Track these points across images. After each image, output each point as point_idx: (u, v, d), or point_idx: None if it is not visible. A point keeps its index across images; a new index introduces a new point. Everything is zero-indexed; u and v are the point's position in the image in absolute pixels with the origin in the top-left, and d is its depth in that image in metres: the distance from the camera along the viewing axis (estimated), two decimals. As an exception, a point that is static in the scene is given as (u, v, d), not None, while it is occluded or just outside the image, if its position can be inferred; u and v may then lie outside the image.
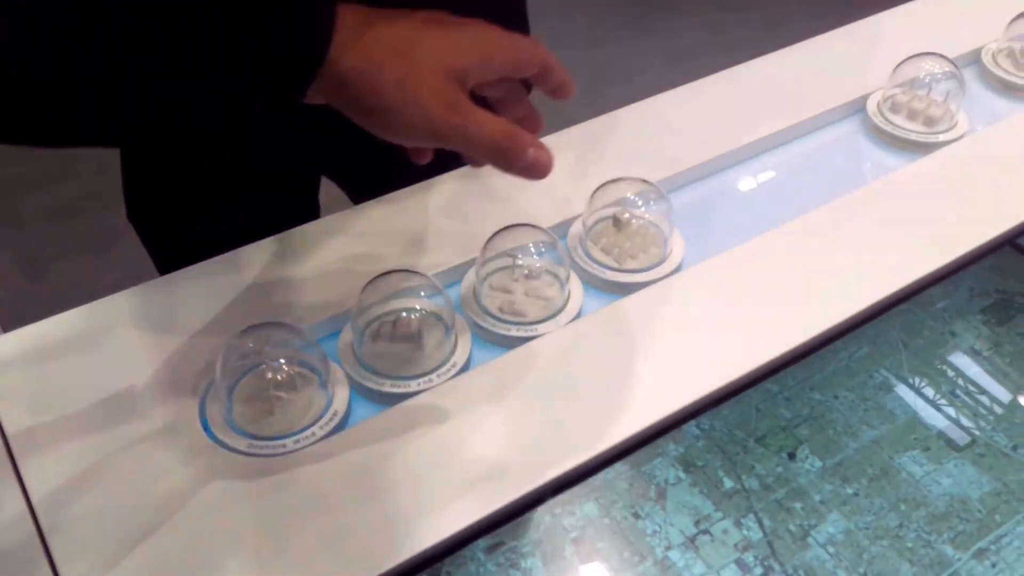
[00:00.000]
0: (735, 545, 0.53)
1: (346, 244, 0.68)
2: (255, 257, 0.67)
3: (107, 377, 0.58)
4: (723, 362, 0.61)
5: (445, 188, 0.74)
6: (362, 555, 0.50)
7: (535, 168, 0.49)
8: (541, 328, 0.63)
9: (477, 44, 0.48)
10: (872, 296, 0.67)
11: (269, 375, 0.56)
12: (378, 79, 0.44)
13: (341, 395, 0.57)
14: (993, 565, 0.53)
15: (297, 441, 0.55)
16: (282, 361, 0.56)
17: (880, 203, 0.75)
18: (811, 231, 0.72)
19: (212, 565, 0.49)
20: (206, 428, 0.55)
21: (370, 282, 0.60)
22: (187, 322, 0.61)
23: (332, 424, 0.56)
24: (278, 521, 0.51)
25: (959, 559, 0.53)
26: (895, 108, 0.85)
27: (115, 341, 0.61)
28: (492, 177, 0.75)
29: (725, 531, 0.54)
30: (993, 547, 0.54)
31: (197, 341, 0.60)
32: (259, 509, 0.51)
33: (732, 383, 0.61)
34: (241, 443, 0.54)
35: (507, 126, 0.48)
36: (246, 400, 0.56)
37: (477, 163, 0.57)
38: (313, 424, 0.56)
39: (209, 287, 0.64)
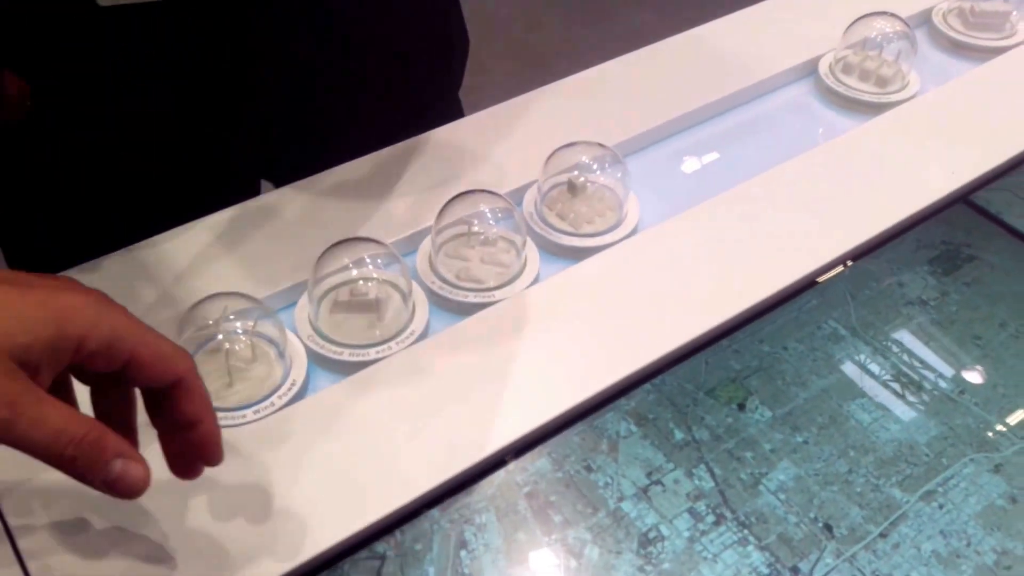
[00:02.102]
0: (687, 495, 0.52)
1: (301, 214, 0.66)
2: (210, 229, 0.65)
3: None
4: (681, 323, 0.60)
5: (399, 156, 0.72)
6: (326, 524, 0.48)
7: (119, 485, 0.38)
8: (498, 294, 0.62)
9: (55, 315, 0.36)
10: (828, 255, 0.65)
11: (227, 346, 0.54)
12: None
13: (299, 365, 0.56)
14: (940, 507, 0.51)
15: (257, 412, 0.53)
16: (240, 332, 0.54)
17: (833, 163, 0.73)
18: (765, 192, 0.70)
19: (177, 542, 0.47)
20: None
21: (326, 251, 0.58)
22: (142, 296, 0.60)
23: (291, 394, 0.54)
24: (241, 493, 0.49)
25: (907, 501, 0.52)
26: (847, 69, 0.83)
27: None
28: (447, 145, 0.73)
29: (677, 481, 0.53)
30: (940, 489, 0.52)
31: (152, 315, 0.58)
32: (221, 481, 0.50)
33: (689, 343, 0.59)
34: (201, 414, 0.53)
35: (82, 425, 0.36)
36: (204, 372, 0.54)
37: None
38: (272, 394, 0.54)
39: (163, 260, 0.62)
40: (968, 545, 0.49)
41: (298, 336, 0.57)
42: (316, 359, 0.57)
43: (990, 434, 0.55)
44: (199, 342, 0.54)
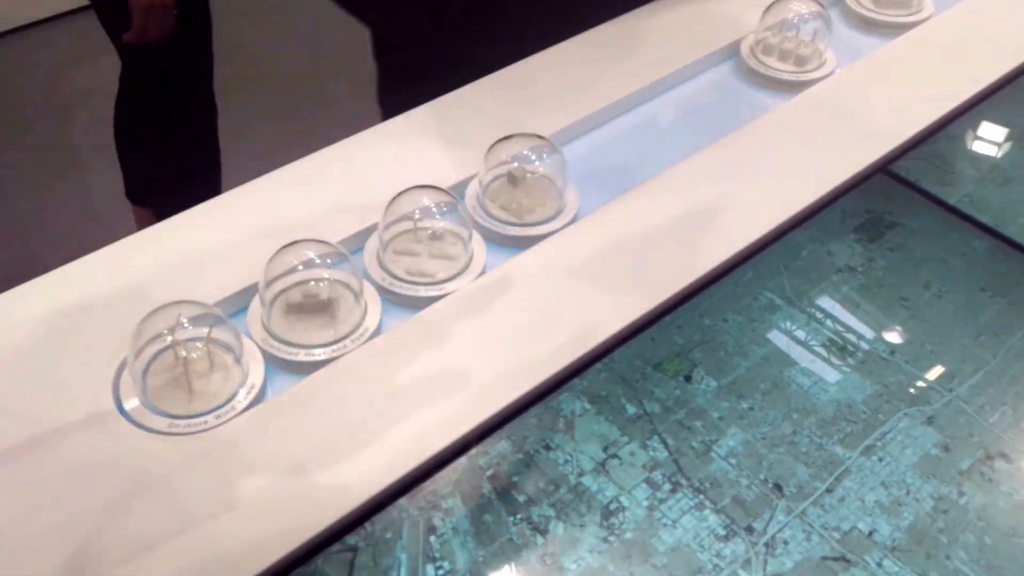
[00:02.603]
0: (643, 466, 0.54)
1: (247, 218, 0.66)
2: (156, 237, 0.64)
3: (18, 368, 0.55)
4: (625, 303, 0.61)
5: (339, 155, 0.72)
6: (295, 521, 0.48)
7: None
8: (449, 287, 0.62)
9: None
10: (761, 228, 0.67)
11: (183, 354, 0.54)
12: None
13: (256, 368, 0.56)
14: (880, 459, 0.54)
15: (219, 417, 0.53)
16: (195, 339, 0.54)
17: (759, 141, 0.75)
18: (696, 173, 0.72)
19: (142, 547, 0.47)
20: (123, 412, 0.53)
21: (275, 254, 0.58)
22: (93, 308, 0.59)
23: (251, 397, 0.54)
24: (209, 498, 0.49)
25: (849, 457, 0.54)
26: (767, 50, 0.85)
27: (23, 331, 0.58)
28: (386, 143, 0.73)
29: (632, 453, 0.54)
30: (879, 443, 0.55)
31: (105, 326, 0.57)
32: (186, 487, 0.50)
33: (635, 321, 0.61)
34: (161, 424, 0.52)
35: None
36: (162, 381, 0.54)
37: None
38: (232, 399, 0.54)
39: (112, 271, 0.61)
40: (908, 493, 0.52)
41: (253, 340, 0.57)
42: (273, 361, 0.57)
43: (921, 389, 0.58)
44: (155, 352, 0.54)
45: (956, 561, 0.49)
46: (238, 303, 0.60)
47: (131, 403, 0.53)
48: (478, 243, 0.65)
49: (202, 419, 0.53)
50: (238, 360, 0.54)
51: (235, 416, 0.53)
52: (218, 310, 0.55)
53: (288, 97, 2.20)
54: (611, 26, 0.88)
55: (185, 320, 0.53)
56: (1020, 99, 0.83)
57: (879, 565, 0.49)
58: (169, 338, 0.53)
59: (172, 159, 1.51)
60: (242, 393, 0.54)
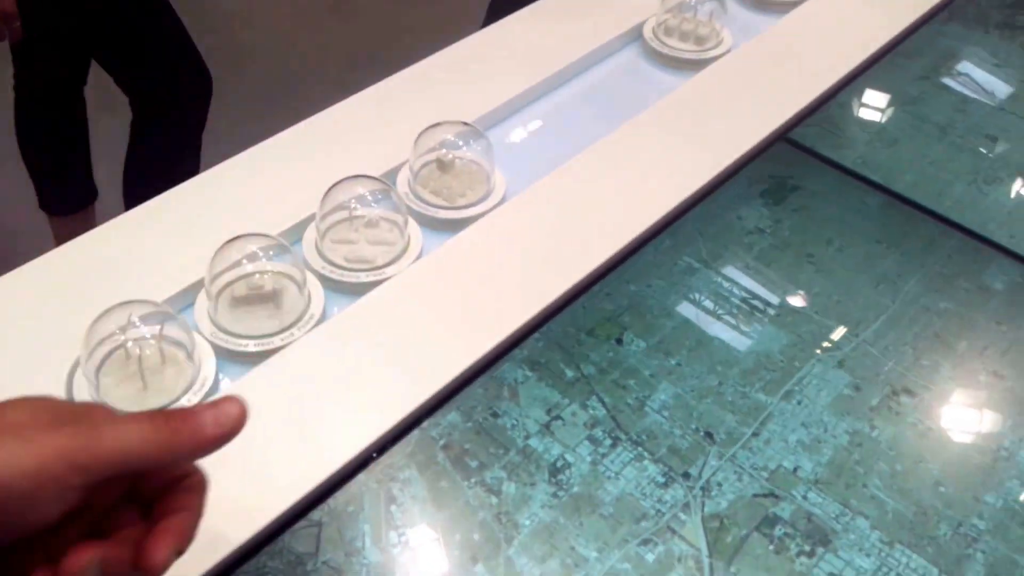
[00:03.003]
0: (584, 424, 0.57)
1: (190, 216, 0.66)
2: (101, 238, 0.64)
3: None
4: (557, 275, 0.64)
5: (271, 152, 0.73)
6: (260, 504, 0.50)
7: (230, 431, 0.36)
8: (388, 271, 0.64)
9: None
10: (676, 198, 0.71)
11: (136, 351, 0.54)
12: None
13: (208, 362, 0.57)
14: (799, 403, 0.59)
15: (172, 410, 0.54)
16: (148, 337, 0.55)
17: (669, 117, 0.79)
18: (613, 151, 0.75)
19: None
20: (77, 413, 0.53)
21: (218, 250, 0.59)
22: (43, 313, 0.58)
23: (204, 391, 0.55)
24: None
25: (771, 403, 0.58)
26: (668, 31, 0.89)
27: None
28: (318, 135, 0.75)
29: (574, 414, 0.57)
30: (796, 388, 0.59)
31: (58, 329, 0.57)
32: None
33: (567, 291, 0.64)
34: (116, 421, 0.53)
35: (154, 415, 0.34)
36: (116, 379, 0.54)
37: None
38: (185, 394, 0.55)
39: (60, 273, 0.61)
40: (825, 431, 0.57)
41: (201, 334, 0.58)
42: (223, 354, 0.58)
43: (831, 336, 0.63)
44: (109, 351, 0.54)
45: (872, 488, 0.54)
46: (186, 299, 0.61)
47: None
48: (413, 228, 0.67)
49: (157, 415, 0.53)
50: (190, 355, 0.55)
51: (190, 409, 0.54)
52: (168, 307, 0.56)
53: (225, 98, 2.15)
54: (521, 15, 0.90)
55: (136, 319, 0.54)
56: (902, 65, 0.89)
57: (804, 497, 0.53)
58: (121, 337, 0.53)
59: (77, 164, 1.47)
60: (195, 387, 0.55)
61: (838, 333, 0.63)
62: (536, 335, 0.63)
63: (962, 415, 0.58)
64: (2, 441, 0.30)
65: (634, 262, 0.68)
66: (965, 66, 0.90)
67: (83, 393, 0.54)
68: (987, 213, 0.73)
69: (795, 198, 0.74)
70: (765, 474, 0.54)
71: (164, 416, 0.33)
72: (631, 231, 0.69)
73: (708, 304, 0.65)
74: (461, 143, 0.69)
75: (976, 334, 0.63)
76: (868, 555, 0.50)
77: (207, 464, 0.50)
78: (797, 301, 0.65)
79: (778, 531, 0.51)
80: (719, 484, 0.54)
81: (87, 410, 0.33)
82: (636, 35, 0.91)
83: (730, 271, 0.67)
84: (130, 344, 0.53)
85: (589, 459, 0.55)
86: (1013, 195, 0.75)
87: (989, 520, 0.52)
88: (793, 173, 0.76)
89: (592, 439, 0.56)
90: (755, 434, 0.56)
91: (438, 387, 0.57)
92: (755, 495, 0.53)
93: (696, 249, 0.69)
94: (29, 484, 0.30)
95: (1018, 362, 0.61)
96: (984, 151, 0.80)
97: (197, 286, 0.60)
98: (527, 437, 0.56)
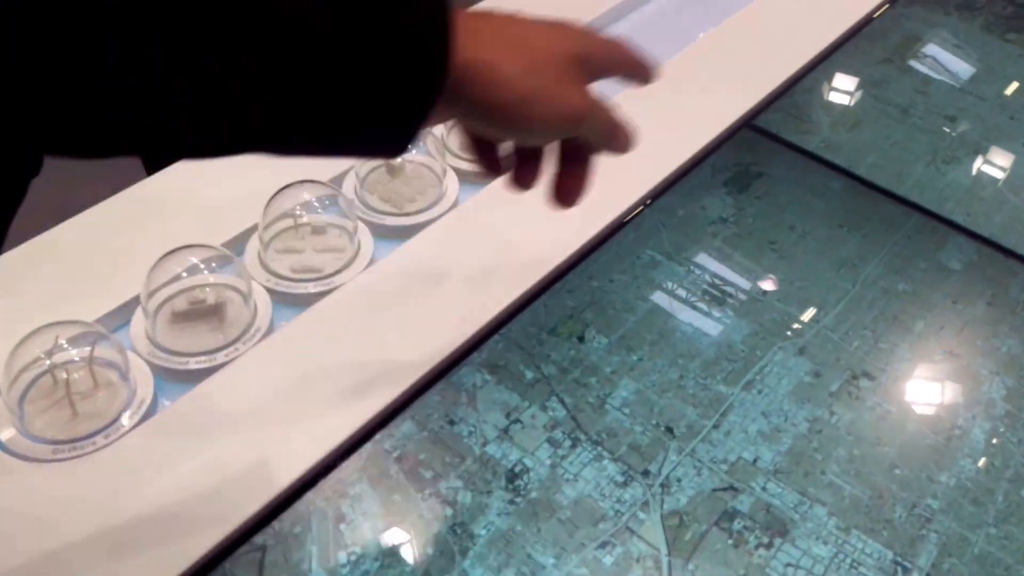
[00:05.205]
0: (544, 426, 0.56)
1: (122, 229, 0.65)
2: (25, 257, 0.63)
3: None
4: (516, 275, 0.64)
5: (208, 162, 0.72)
6: (199, 530, 0.49)
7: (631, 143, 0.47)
8: (338, 280, 0.63)
9: (588, 35, 0.42)
10: (637, 192, 0.71)
11: (63, 375, 0.53)
12: (504, 71, 0.37)
13: (145, 382, 0.56)
14: (759, 392, 0.58)
15: (107, 436, 0.53)
16: (75, 359, 0.54)
17: (629, 110, 0.79)
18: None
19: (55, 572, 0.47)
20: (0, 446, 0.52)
21: (156, 263, 0.58)
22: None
23: (141, 413, 0.54)
24: (104, 516, 0.49)
25: (732, 393, 0.58)
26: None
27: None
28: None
29: (534, 416, 0.57)
30: (757, 377, 0.59)
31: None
32: (77, 511, 0.49)
33: (528, 291, 0.63)
34: (43, 451, 0.51)
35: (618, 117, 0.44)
36: (42, 407, 0.53)
37: (587, 152, 0.48)
38: (120, 417, 0.54)
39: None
40: (785, 420, 0.56)
41: (138, 353, 0.57)
42: (162, 373, 0.57)
43: (792, 323, 0.62)
44: (33, 377, 0.53)
45: (830, 475, 0.53)
46: (123, 317, 0.60)
47: (7, 433, 0.52)
48: (364, 233, 0.66)
49: (89, 440, 0.52)
50: (124, 376, 0.54)
51: (124, 434, 0.53)
52: (99, 327, 0.55)
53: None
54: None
55: (64, 341, 0.53)
56: (866, 49, 0.89)
57: (763, 489, 0.53)
58: (47, 361, 0.52)
59: None
60: (131, 410, 0.54)
61: (799, 320, 0.62)
62: (496, 337, 0.62)
63: (918, 396, 0.58)
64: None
65: (596, 257, 0.67)
66: (927, 48, 0.90)
67: (5, 423, 0.53)
68: (945, 192, 0.73)
69: (759, 185, 0.74)
70: (725, 467, 0.54)
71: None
72: (593, 226, 0.68)
73: (670, 297, 0.64)
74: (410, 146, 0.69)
75: (933, 314, 0.63)
76: (825, 543, 0.50)
77: (148, 489, 0.50)
78: (759, 289, 0.65)
79: (737, 525, 0.51)
80: (679, 480, 0.53)
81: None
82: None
83: (693, 262, 0.67)
84: (56, 368, 0.52)
85: (548, 462, 0.54)
86: (970, 174, 0.76)
87: (942, 499, 0.52)
88: (757, 160, 0.76)
89: (551, 441, 0.55)
90: (715, 426, 0.56)
91: (392, 397, 0.56)
92: (714, 489, 0.53)
93: (659, 241, 0.69)
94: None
95: (972, 340, 0.62)
96: (944, 131, 0.80)
97: (134, 303, 0.59)
98: (484, 443, 0.55)
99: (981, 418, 0.57)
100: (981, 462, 0.55)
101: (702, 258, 0.67)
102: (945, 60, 0.89)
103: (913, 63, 0.88)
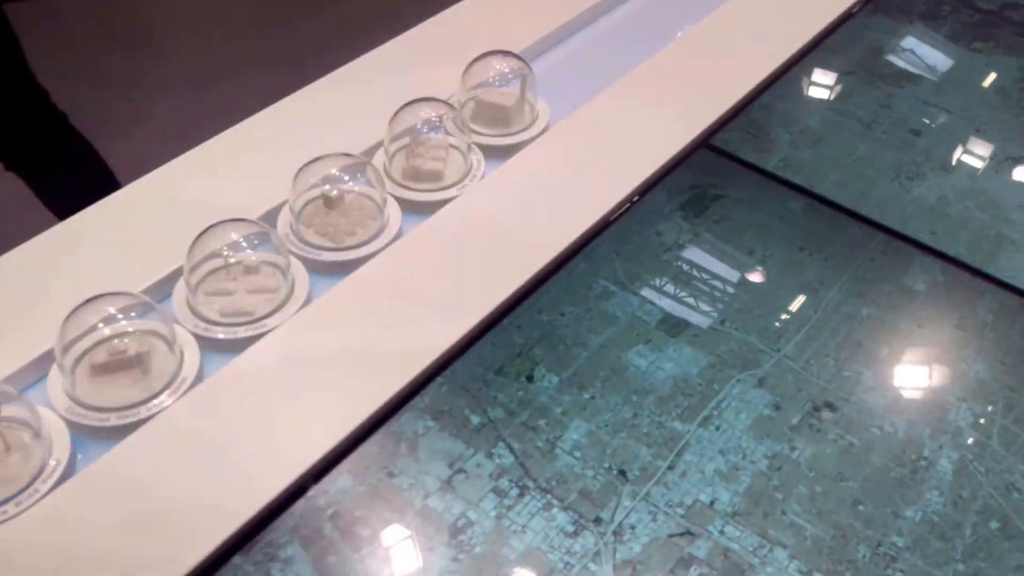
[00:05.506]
0: (490, 475, 0.54)
1: (34, 279, 0.62)
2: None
3: None
4: (461, 311, 0.61)
5: (128, 200, 0.69)
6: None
7: None
8: (270, 322, 0.61)
9: None
10: (590, 219, 0.69)
11: (-30, 441, 0.50)
12: None
13: (61, 442, 0.53)
14: (717, 428, 0.56)
15: (19, 504, 0.50)
16: (-16, 421, 0.51)
17: (577, 135, 0.77)
18: (517, 177, 0.73)
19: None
20: None
21: (70, 315, 0.55)
22: None
23: (56, 476, 0.51)
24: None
25: (688, 431, 0.56)
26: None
27: None
28: (181, 178, 0.71)
29: (479, 464, 0.54)
30: (715, 413, 0.57)
31: None
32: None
33: (472, 329, 0.61)
34: (-48, 522, 0.49)
35: None
36: (-50, 472, 0.50)
37: None
38: (34, 481, 0.51)
39: None
40: (744, 457, 0.54)
41: (55, 411, 0.54)
42: (81, 431, 0.54)
43: (751, 353, 0.60)
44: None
45: (791, 515, 0.51)
46: (38, 372, 0.57)
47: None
48: (299, 271, 0.64)
49: (0, 509, 0.49)
50: (38, 436, 0.51)
51: (39, 499, 0.50)
52: (8, 386, 0.52)
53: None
54: (377, 54, 0.88)
55: (-32, 402, 0.50)
56: (828, 61, 0.88)
57: (721, 532, 0.50)
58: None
59: None
60: (45, 473, 0.51)
61: (758, 349, 0.60)
62: (439, 379, 0.59)
63: (883, 426, 0.56)
64: None
65: (546, 290, 0.65)
66: (891, 59, 0.89)
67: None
68: (910, 210, 0.72)
69: (716, 208, 0.72)
70: (681, 511, 0.51)
71: None
72: (543, 257, 0.66)
73: (624, 329, 0.62)
74: (347, 177, 0.66)
75: (898, 339, 0.61)
76: (788, 594, 0.48)
77: (60, 558, 0.46)
78: (717, 319, 0.63)
79: (693, 572, 0.48)
80: (632, 527, 0.50)
81: None
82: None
83: (648, 292, 0.65)
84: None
85: (494, 514, 0.52)
86: (935, 190, 0.74)
87: (908, 536, 0.50)
88: (715, 181, 0.74)
89: (497, 491, 0.53)
90: (671, 467, 0.53)
91: (326, 450, 0.54)
92: (670, 535, 0.50)
93: (612, 270, 0.67)
94: None
95: (938, 366, 0.60)
96: (909, 146, 0.78)
97: (48, 357, 0.56)
98: (426, 496, 0.53)
99: (948, 447, 0.55)
100: (948, 495, 0.53)
101: (657, 287, 0.65)
102: (910, 71, 0.88)
103: (876, 75, 0.87)
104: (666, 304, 0.64)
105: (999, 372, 0.59)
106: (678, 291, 0.65)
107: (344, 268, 0.65)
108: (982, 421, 0.56)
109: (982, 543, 0.50)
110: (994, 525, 0.51)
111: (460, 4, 0.93)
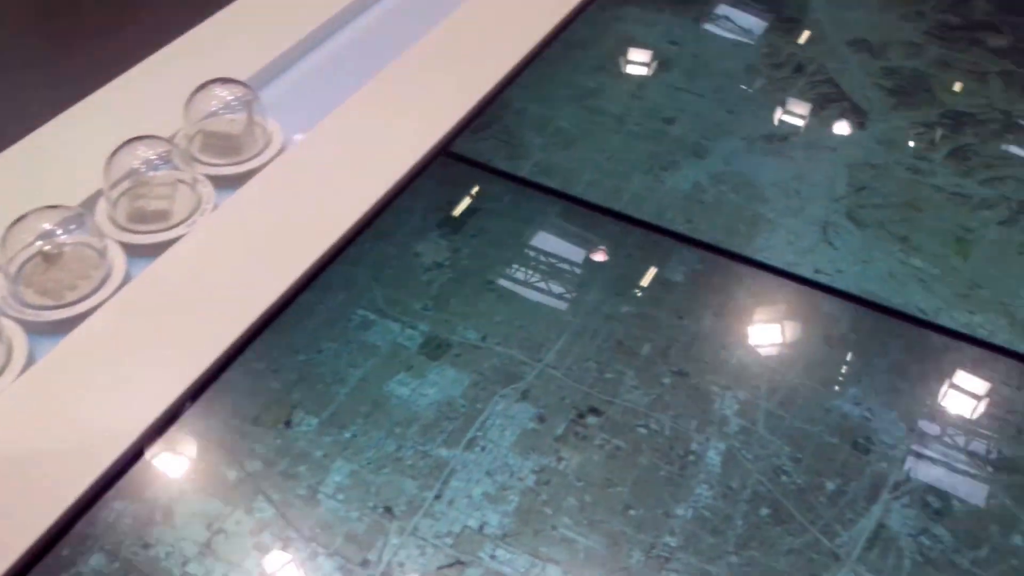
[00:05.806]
0: (250, 531, 0.51)
1: None
2: None
3: None
4: (200, 357, 0.58)
5: None
6: None
7: None
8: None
9: None
10: (327, 242, 0.67)
11: None
12: None
13: None
14: (483, 449, 0.56)
15: None
16: None
17: (310, 157, 0.75)
18: (240, 213, 0.70)
19: None
20: None
21: None
22: None
23: None
24: None
25: (454, 456, 0.55)
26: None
27: None
28: None
29: (239, 522, 0.51)
30: (479, 433, 0.56)
31: None
32: None
33: (209, 369, 0.58)
34: None
35: None
36: None
37: None
38: None
39: None
40: (511, 476, 0.54)
41: None
42: None
43: (513, 367, 0.60)
44: None
45: (562, 529, 0.52)
46: None
47: None
48: (17, 337, 0.58)
49: None
50: None
51: None
52: None
53: None
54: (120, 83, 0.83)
55: None
56: (577, 57, 0.89)
57: (492, 557, 0.50)
58: None
59: None
60: None
61: (520, 362, 0.61)
62: (189, 437, 0.56)
63: (648, 425, 0.57)
64: None
65: (302, 327, 0.63)
66: (640, 49, 0.91)
67: None
68: (665, 202, 0.74)
69: (473, 222, 0.72)
70: (450, 540, 0.51)
71: None
72: (276, 289, 0.64)
73: (385, 359, 0.61)
74: (60, 231, 0.62)
75: (659, 333, 0.63)
76: (556, 611, 0.48)
77: None
78: (477, 336, 0.63)
79: (461, 608, 0.48)
80: (401, 565, 0.50)
81: None
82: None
83: (408, 316, 0.64)
84: None
85: (257, 572, 0.49)
86: (689, 178, 0.77)
87: (680, 535, 0.52)
88: (470, 195, 0.74)
89: (260, 547, 0.50)
90: (438, 496, 0.53)
91: (56, 527, 0.49)
92: (440, 567, 0.49)
93: (371, 298, 0.65)
94: None
95: (700, 356, 0.62)
96: (661, 136, 0.81)
97: None
98: (185, 563, 0.50)
99: (715, 438, 0.57)
100: (717, 487, 0.55)
101: (418, 310, 0.65)
102: (658, 60, 0.89)
103: (626, 67, 0.89)
104: (427, 327, 0.63)
105: (759, 355, 0.62)
106: (439, 312, 0.65)
107: (70, 324, 0.60)
108: (747, 407, 0.59)
109: (754, 531, 0.52)
110: (764, 512, 0.53)
111: (180, 40, 0.88)
